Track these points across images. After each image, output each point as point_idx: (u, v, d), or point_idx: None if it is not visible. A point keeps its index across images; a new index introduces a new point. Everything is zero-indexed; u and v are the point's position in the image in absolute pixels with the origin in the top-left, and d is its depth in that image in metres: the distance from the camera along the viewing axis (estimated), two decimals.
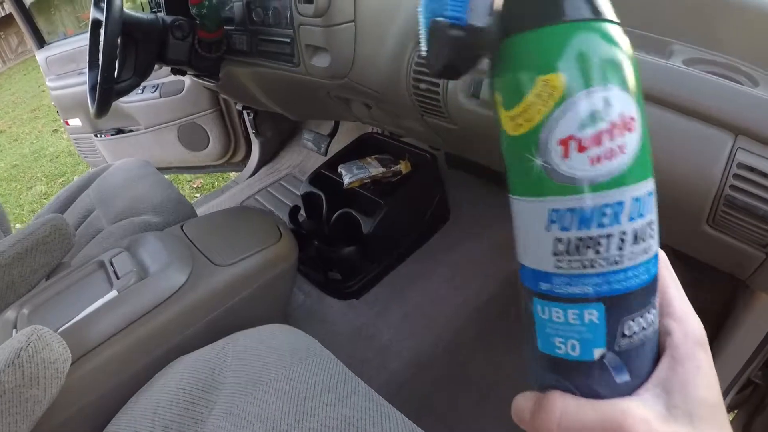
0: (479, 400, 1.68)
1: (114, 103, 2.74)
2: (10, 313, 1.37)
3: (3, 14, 12.35)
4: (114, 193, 2.01)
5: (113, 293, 1.36)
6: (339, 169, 2.17)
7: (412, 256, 2.16)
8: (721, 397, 0.38)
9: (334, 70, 1.42)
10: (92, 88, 1.63)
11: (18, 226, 4.71)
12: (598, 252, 0.37)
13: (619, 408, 0.37)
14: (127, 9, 1.63)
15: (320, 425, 1.00)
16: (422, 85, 1.26)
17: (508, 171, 0.40)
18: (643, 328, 0.39)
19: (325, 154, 2.55)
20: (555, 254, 0.38)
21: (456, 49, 0.38)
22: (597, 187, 0.36)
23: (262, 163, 3.07)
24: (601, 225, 0.36)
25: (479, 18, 0.37)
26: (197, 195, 4.18)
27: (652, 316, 0.40)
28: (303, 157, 2.94)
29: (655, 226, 0.39)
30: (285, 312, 1.76)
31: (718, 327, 1.43)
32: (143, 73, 1.77)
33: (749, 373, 1.34)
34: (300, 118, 2.42)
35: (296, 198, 2.46)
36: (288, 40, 1.49)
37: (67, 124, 3.22)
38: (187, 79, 2.71)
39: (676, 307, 0.42)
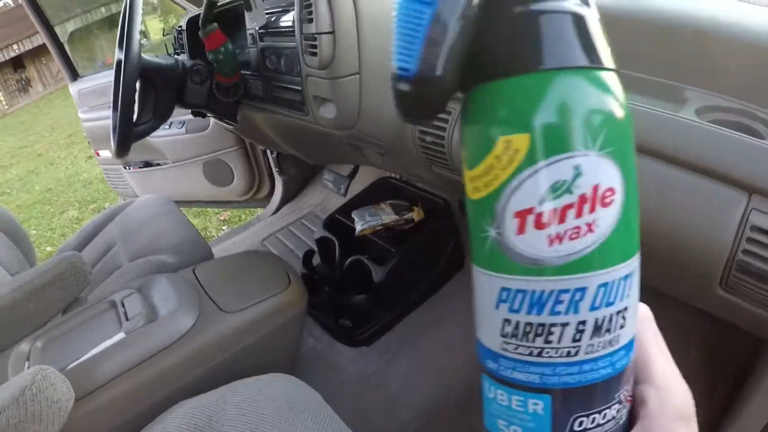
0: None
1: None
2: (24, 346, 1.39)
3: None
4: (135, 230, 2.06)
5: (121, 335, 1.38)
6: (352, 215, 2.18)
7: (426, 303, 2.13)
8: None
9: (340, 122, 1.42)
10: (114, 128, 1.66)
11: (49, 248, 4.86)
12: (548, 341, 0.32)
13: None
14: (147, 54, 1.66)
15: None
16: (428, 138, 1.27)
17: (469, 235, 0.35)
18: (599, 425, 0.34)
19: (345, 194, 2.57)
20: (502, 335, 0.34)
21: (406, 102, 0.32)
22: (554, 270, 0.31)
23: (285, 200, 3.09)
24: (555, 312, 0.32)
25: (430, 68, 0.30)
26: (224, 227, 4.24)
27: (614, 411, 0.35)
28: (324, 197, 2.95)
29: (631, 313, 0.34)
30: (294, 357, 1.75)
31: (744, 377, 1.38)
32: (163, 116, 1.79)
33: None
34: (317, 162, 2.44)
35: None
36: (299, 88, 1.49)
37: (98, 154, 3.29)
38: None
39: (656, 372, 0.36)
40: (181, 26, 1.97)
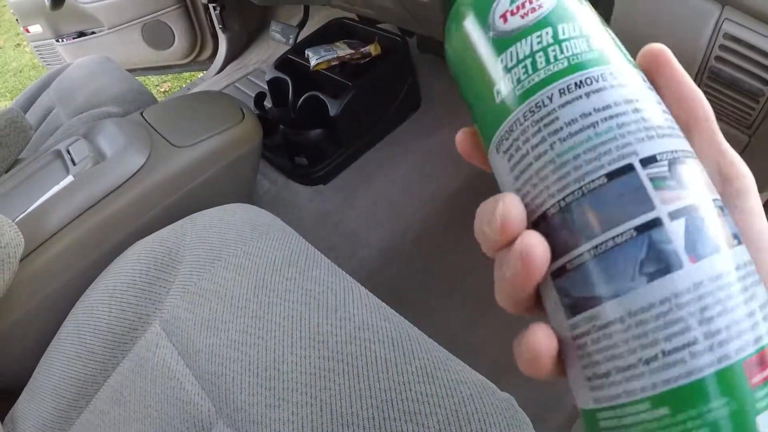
0: (448, 292, 1.66)
1: (75, 4, 2.64)
2: None
3: None
4: (73, 89, 1.94)
5: (69, 179, 1.31)
6: (306, 53, 2.09)
7: (381, 143, 2.10)
8: None
9: None
10: None
11: None
12: None
13: None
14: None
15: (279, 299, 0.96)
16: None
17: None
18: None
19: (295, 45, 2.47)
20: None
21: None
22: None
23: (230, 59, 2.96)
24: None
25: None
26: None
27: None
28: (271, 51, 2.82)
29: None
30: (250, 195, 1.71)
31: None
32: None
33: None
34: (266, 2, 2.31)
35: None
36: None
37: (28, 31, 3.09)
38: None
39: None
40: None
